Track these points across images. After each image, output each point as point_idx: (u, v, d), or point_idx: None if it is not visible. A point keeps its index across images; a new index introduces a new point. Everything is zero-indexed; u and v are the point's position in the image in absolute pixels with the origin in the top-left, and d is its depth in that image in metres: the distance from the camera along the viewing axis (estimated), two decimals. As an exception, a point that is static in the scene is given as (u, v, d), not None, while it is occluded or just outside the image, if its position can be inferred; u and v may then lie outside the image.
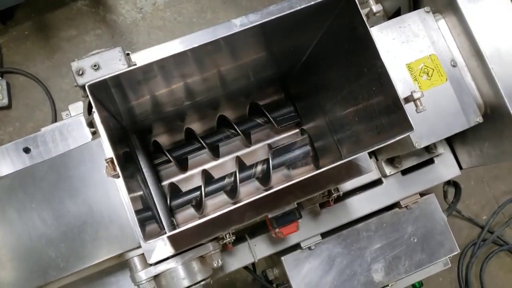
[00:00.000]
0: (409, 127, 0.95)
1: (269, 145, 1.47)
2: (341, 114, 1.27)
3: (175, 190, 1.42)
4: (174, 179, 1.47)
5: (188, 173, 1.48)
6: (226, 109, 1.50)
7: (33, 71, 2.80)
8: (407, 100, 0.97)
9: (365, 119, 1.15)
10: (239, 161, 1.43)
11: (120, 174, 0.91)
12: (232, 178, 1.38)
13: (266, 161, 1.39)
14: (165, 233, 0.96)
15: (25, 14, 2.88)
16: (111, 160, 0.91)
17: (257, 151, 1.50)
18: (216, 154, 1.47)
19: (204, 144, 1.40)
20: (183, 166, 1.46)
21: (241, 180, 1.38)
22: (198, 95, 1.33)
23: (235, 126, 1.41)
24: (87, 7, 2.93)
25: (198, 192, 1.37)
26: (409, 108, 0.97)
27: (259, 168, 1.39)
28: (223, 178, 1.41)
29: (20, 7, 2.86)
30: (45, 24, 2.89)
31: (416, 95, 0.95)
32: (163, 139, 1.47)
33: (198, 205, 1.38)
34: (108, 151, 0.93)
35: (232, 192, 1.39)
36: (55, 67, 2.84)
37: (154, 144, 1.43)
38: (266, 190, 1.04)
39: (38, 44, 2.86)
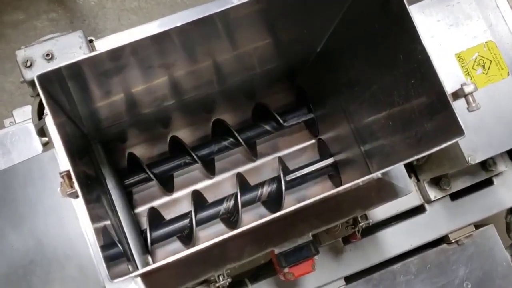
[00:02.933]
0: (459, 132, 0.93)
1: (280, 158, 1.47)
2: (370, 118, 1.27)
3: (156, 218, 1.43)
4: (154, 204, 1.49)
5: (174, 195, 1.51)
6: (223, 112, 1.53)
7: (-33, 66, 2.84)
8: (455, 95, 0.95)
9: (402, 122, 1.14)
10: (241, 180, 1.44)
11: (80, 193, 0.89)
12: (232, 202, 1.39)
13: (276, 179, 1.40)
14: (137, 269, 0.96)
15: (-43, -7, 2.93)
16: (67, 174, 0.89)
17: (262, 166, 1.54)
18: (211, 171, 1.49)
19: (196, 157, 1.41)
20: (167, 186, 1.47)
21: (244, 205, 1.38)
22: (185, 93, 1.32)
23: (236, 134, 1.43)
24: (38, -16, 2.97)
25: (187, 220, 1.38)
26: (458, 107, 0.95)
27: (267, 189, 1.40)
28: (219, 201, 1.42)
29: (-50, -15, 2.90)
30: (-17, 6, 2.93)
31: (467, 89, 0.93)
32: (141, 151, 1.49)
33: (188, 237, 1.39)
34: (64, 162, 0.93)
35: (232, 219, 1.40)
36: (-5, 61, 2.87)
37: (129, 158, 1.45)
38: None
39: (-26, 32, 2.90)
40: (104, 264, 0.93)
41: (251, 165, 1.55)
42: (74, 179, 0.90)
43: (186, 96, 1.36)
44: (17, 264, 1.24)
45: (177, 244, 1.46)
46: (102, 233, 1.04)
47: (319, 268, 1.43)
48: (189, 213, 1.38)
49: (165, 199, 1.54)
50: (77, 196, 0.92)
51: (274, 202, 1.42)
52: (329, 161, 1.45)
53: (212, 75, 1.30)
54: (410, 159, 1.00)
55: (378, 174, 1.02)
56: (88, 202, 0.96)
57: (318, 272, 1.40)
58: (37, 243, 1.25)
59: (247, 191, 1.41)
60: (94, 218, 0.96)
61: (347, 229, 1.46)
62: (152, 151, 1.53)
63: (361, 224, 1.41)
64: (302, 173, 1.44)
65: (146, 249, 1.35)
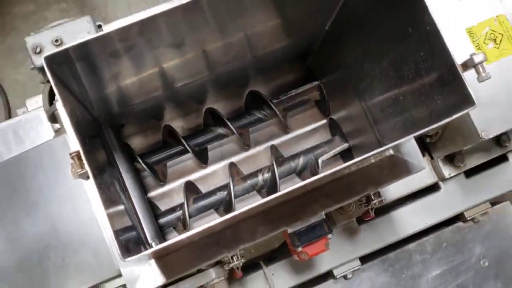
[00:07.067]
0: (470, 101, 0.92)
1: (273, 146, 1.50)
2: (381, 95, 1.26)
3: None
4: (151, 194, 1.51)
5: (167, 186, 1.51)
6: (217, 100, 1.54)
7: (-20, 59, 2.85)
8: (465, 66, 0.95)
9: (412, 97, 1.14)
10: (234, 169, 1.45)
11: (90, 173, 0.90)
12: (226, 192, 1.40)
13: (270, 168, 1.42)
14: (149, 248, 0.96)
15: (-32, -14, 2.94)
16: (77, 155, 0.90)
17: (258, 155, 1.54)
18: (203, 160, 1.50)
19: (187, 147, 1.42)
20: (161, 176, 1.49)
21: (237, 195, 1.41)
22: (187, 77, 1.32)
23: (228, 123, 1.43)
24: (48, -25, 2.98)
25: (180, 212, 1.40)
26: (469, 79, 0.94)
27: (263, 177, 1.43)
28: (213, 192, 1.44)
29: (-39, -22, 2.91)
30: (-6, -1, 2.94)
31: (477, 59, 0.93)
32: (138, 141, 1.51)
33: (183, 227, 1.41)
34: (74, 143, 0.93)
35: (226, 210, 1.41)
36: (7, 53, 2.86)
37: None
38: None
39: (-14, 25, 2.91)
40: (117, 246, 0.94)
41: (244, 155, 1.54)
42: (84, 159, 0.91)
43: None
44: (31, 250, 1.27)
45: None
46: (115, 217, 1.04)
47: (334, 249, 1.44)
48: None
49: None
50: (88, 177, 0.92)
51: (270, 190, 1.44)
52: (342, 143, 1.46)
53: (213, 59, 1.29)
54: (422, 131, 0.99)
55: (389, 148, 1.01)
56: (99, 184, 0.97)
57: (333, 252, 1.40)
58: (51, 229, 1.28)
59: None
60: (106, 202, 0.97)
61: (360, 207, 1.46)
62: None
63: (374, 202, 1.38)
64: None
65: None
